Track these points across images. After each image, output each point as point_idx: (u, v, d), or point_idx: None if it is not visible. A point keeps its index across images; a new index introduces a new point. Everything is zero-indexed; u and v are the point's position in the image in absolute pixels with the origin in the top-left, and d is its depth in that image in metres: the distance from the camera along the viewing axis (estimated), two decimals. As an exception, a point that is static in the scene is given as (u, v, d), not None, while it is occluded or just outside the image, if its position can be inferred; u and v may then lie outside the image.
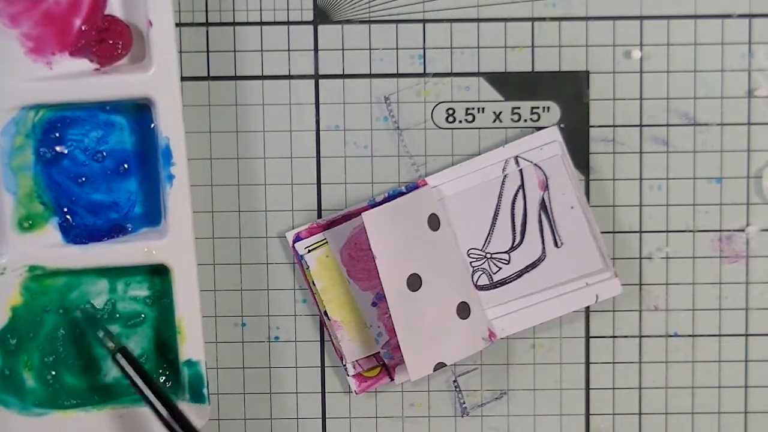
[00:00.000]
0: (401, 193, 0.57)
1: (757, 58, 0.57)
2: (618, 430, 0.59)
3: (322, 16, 0.57)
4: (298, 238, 0.57)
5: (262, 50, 0.57)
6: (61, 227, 0.55)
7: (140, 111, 0.55)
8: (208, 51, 0.57)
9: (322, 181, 0.57)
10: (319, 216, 0.57)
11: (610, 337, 0.58)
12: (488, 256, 0.57)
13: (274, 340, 0.58)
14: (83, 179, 0.55)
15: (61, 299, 0.55)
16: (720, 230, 0.58)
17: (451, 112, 0.57)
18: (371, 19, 0.57)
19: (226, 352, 0.58)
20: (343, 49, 0.57)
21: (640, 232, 0.58)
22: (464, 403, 0.58)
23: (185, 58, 0.57)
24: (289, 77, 0.57)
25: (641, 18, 0.57)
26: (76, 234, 0.55)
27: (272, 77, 0.57)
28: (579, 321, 0.58)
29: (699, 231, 0.58)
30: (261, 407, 0.58)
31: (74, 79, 0.53)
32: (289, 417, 0.58)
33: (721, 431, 0.58)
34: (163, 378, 0.56)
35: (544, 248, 0.57)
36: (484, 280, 0.57)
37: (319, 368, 0.58)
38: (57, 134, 0.55)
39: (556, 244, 0.57)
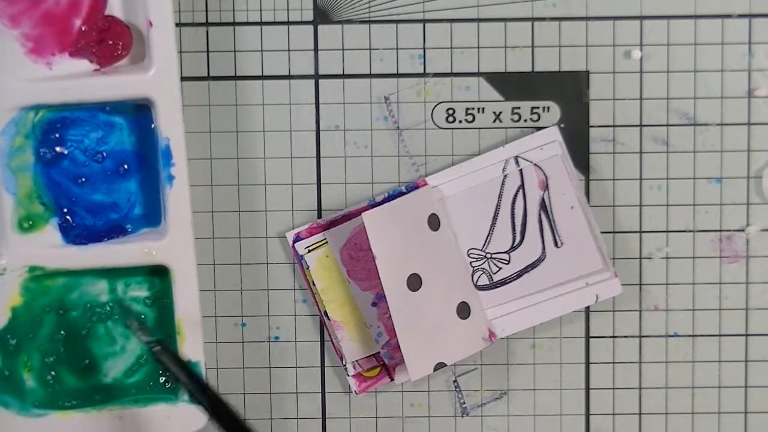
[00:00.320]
0: (401, 193, 0.57)
1: (757, 58, 0.57)
2: (618, 430, 0.59)
3: (322, 16, 0.57)
4: (298, 238, 0.57)
5: (262, 50, 0.57)
6: (61, 228, 0.55)
7: (140, 111, 0.54)
8: (208, 51, 0.57)
9: (322, 181, 0.57)
10: (319, 216, 0.57)
11: (610, 337, 0.58)
12: (488, 256, 0.57)
13: (274, 340, 0.58)
14: (83, 180, 0.55)
15: (61, 300, 0.55)
16: (720, 230, 0.58)
17: (451, 112, 0.57)
18: (371, 19, 0.57)
19: (226, 352, 0.58)
20: (343, 49, 0.57)
21: (640, 232, 0.58)
22: (464, 403, 0.58)
23: (185, 58, 0.57)
24: (289, 77, 0.57)
25: (641, 18, 0.57)
26: (75, 234, 0.55)
27: (272, 77, 0.57)
28: (579, 321, 0.58)
29: (699, 231, 0.58)
30: (261, 407, 0.58)
31: (74, 80, 0.53)
32: (289, 417, 0.58)
33: (721, 431, 0.58)
34: (164, 378, 0.56)
35: (544, 248, 0.57)
36: (484, 280, 0.57)
37: (319, 368, 0.58)
38: (57, 135, 0.55)
39: (556, 244, 0.57)
